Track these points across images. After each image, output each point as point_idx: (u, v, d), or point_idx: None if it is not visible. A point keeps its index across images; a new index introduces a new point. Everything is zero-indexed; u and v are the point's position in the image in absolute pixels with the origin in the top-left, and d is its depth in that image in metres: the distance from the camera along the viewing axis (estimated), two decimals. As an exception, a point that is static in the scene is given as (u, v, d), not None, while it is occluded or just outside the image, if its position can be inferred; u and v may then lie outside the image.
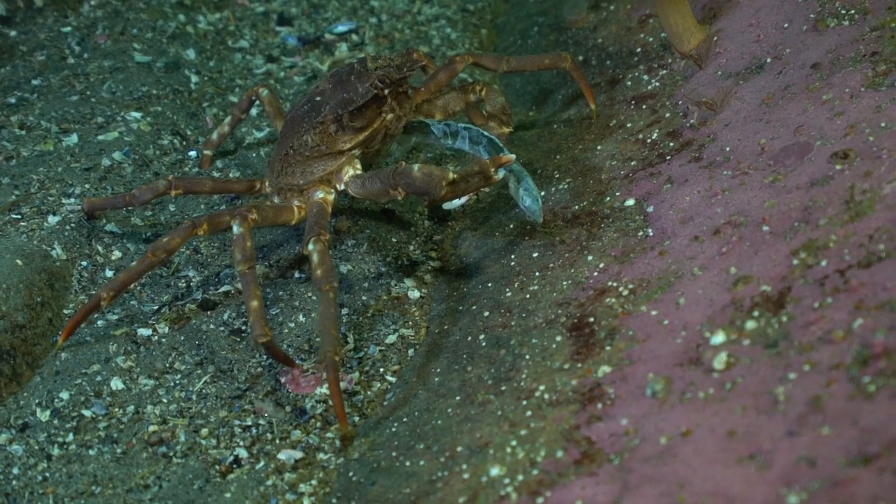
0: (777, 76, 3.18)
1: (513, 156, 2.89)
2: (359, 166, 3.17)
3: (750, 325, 2.38)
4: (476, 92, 3.40)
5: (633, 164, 3.25)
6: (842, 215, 2.52)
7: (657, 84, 3.57)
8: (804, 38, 3.24)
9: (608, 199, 3.15)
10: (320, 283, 2.78)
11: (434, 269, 3.30)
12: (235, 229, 2.89)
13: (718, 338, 2.40)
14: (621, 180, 3.21)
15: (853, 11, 3.18)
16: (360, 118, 3.07)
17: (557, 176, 3.41)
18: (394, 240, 3.37)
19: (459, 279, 3.20)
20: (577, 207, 3.20)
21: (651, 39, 3.82)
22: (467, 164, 3.22)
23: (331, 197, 3.15)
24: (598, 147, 3.44)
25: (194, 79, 4.11)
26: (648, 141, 3.31)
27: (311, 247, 2.88)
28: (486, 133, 3.16)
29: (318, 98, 3.14)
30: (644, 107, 3.50)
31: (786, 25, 3.35)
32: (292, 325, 3.07)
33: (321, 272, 2.80)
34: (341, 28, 4.52)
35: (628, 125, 3.47)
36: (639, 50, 3.82)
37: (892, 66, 2.91)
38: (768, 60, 3.27)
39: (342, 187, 3.15)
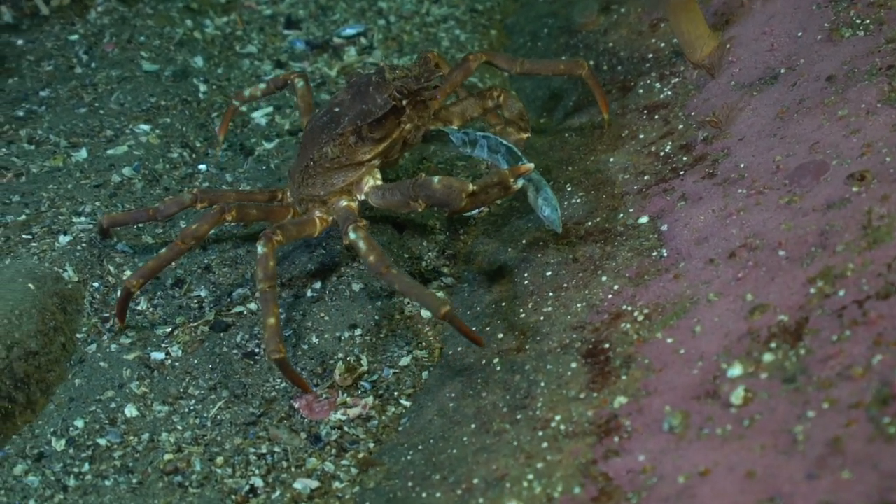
0: (791, 88, 3.15)
1: (531, 164, 2.92)
2: (379, 176, 3.18)
3: (767, 357, 2.36)
4: (494, 98, 3.38)
5: (646, 178, 3.22)
6: (859, 241, 2.50)
7: (669, 93, 3.54)
8: (819, 49, 3.21)
9: (621, 215, 3.13)
10: (378, 268, 2.83)
11: (447, 285, 3.27)
12: (260, 249, 2.90)
13: (736, 370, 2.38)
14: (634, 195, 3.18)
15: (868, 21, 3.15)
16: (379, 129, 3.07)
17: (570, 189, 3.38)
18: (406, 256, 3.35)
19: (473, 297, 3.18)
20: (590, 224, 3.17)
21: (663, 45, 3.78)
22: (483, 173, 3.18)
23: (354, 205, 3.16)
24: (611, 159, 3.41)
25: (203, 88, 4.08)
26: (661, 154, 3.29)
27: (352, 235, 2.93)
28: (504, 141, 3.16)
29: (336, 109, 3.14)
30: (656, 117, 3.47)
31: (800, 34, 3.31)
32: (305, 346, 3.06)
33: (374, 258, 2.85)
34: (349, 31, 4.48)
35: (641, 136, 3.44)
36: (650, 56, 3.79)
37: (909, 80, 2.87)
38: (782, 71, 3.24)
39: (363, 197, 3.16)
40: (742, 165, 3.01)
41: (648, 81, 3.66)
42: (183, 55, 4.25)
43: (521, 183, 2.90)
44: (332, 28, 4.54)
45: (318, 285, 3.25)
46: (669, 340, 2.59)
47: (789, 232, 2.67)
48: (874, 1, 3.21)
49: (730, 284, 2.64)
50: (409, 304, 3.22)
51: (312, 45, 4.43)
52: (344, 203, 3.15)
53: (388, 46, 4.43)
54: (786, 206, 2.76)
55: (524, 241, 3.25)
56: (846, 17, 3.22)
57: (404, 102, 3.05)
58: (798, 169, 2.86)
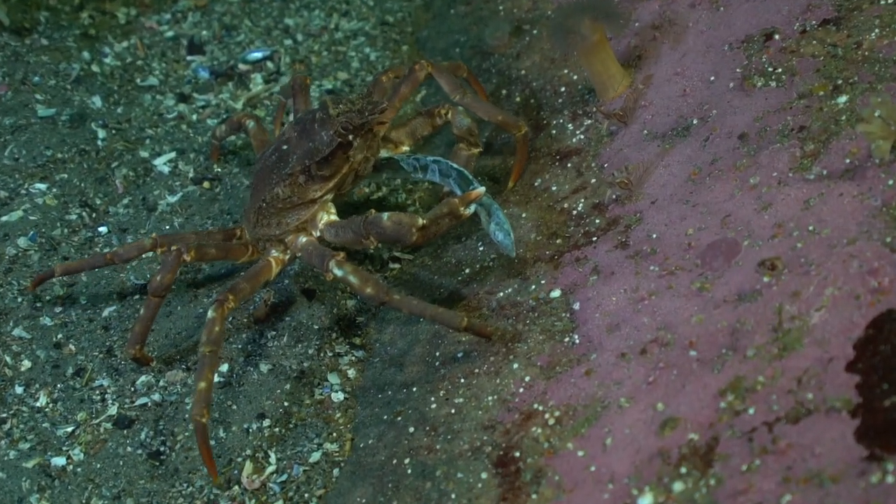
0: (704, 145, 3.05)
1: (482, 189, 2.89)
2: (333, 210, 3.16)
3: (677, 486, 2.29)
4: (441, 115, 3.33)
5: (558, 241, 3.13)
6: (769, 346, 2.42)
7: (582, 137, 3.42)
8: (731, 99, 3.10)
9: (533, 287, 3.03)
10: (381, 298, 2.83)
11: (358, 359, 3.17)
12: (210, 313, 2.87)
13: (646, 500, 2.31)
14: (546, 263, 3.09)
15: (780, 71, 3.04)
16: (327, 166, 3.05)
17: (482, 249, 3.27)
18: (316, 327, 3.24)
19: (384, 376, 3.09)
20: (501, 295, 3.08)
21: (575, 78, 3.66)
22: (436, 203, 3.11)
23: (314, 238, 3.14)
24: (524, 214, 3.30)
25: (101, 134, 3.91)
26: (574, 213, 3.19)
27: (338, 271, 2.90)
28: (454, 165, 3.14)
29: (284, 147, 3.10)
30: (569, 165, 3.36)
31: (712, 79, 3.21)
32: (213, 442, 2.95)
33: (371, 289, 2.83)
34: (255, 55, 4.31)
35: (553, 188, 3.33)
36: (563, 90, 3.66)
37: (820, 145, 2.78)
38: (694, 122, 3.14)
39: (318, 234, 3.14)
40: (654, 236, 2.92)
41: (561, 121, 3.54)
42: (80, 95, 4.07)
43: (472, 209, 2.88)
44: (237, 51, 4.35)
45: (224, 368, 3.13)
46: (580, 454, 2.51)
47: (700, 326, 2.59)
48: (786, 46, 3.09)
49: (641, 388, 2.56)
50: (319, 384, 3.12)
51: (217, 74, 4.25)
52: (303, 239, 3.12)
53: (297, 70, 4.26)
54: (697, 293, 2.67)
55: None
56: (758, 62, 3.11)
57: (350, 137, 3.01)
58: (710, 248, 2.77)
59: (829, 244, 2.54)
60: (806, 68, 3.00)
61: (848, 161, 2.69)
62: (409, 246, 2.96)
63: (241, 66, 4.28)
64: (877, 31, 2.93)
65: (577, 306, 2.89)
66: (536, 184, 3.40)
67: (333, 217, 3.15)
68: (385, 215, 2.87)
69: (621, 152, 3.25)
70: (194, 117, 4.03)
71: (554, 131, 3.54)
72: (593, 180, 3.25)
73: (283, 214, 3.13)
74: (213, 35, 4.43)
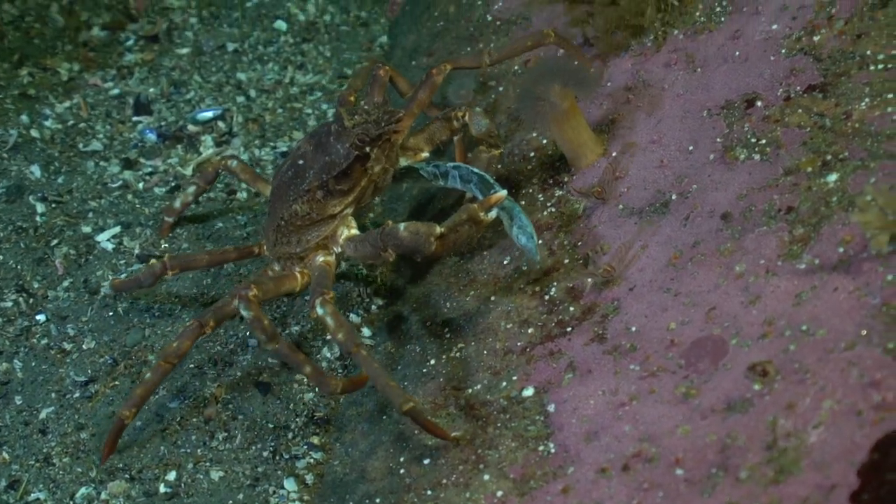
0: (684, 224, 2.83)
1: (503, 192, 2.79)
2: (354, 224, 3.09)
3: None
4: (459, 118, 3.22)
5: (530, 331, 2.90)
6: (764, 468, 2.20)
7: (553, 210, 3.20)
8: (712, 172, 2.88)
9: (504, 383, 2.80)
10: (347, 347, 2.70)
11: (316, 462, 2.93)
12: (245, 314, 2.78)
13: None
14: (518, 355, 2.86)
15: (764, 142, 2.83)
16: (346, 180, 2.97)
17: (449, 336, 3.04)
18: (271, 425, 2.99)
19: (345, 485, 2.85)
20: (469, 391, 2.85)
21: (545, 142, 3.43)
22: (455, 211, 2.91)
23: (331, 259, 3.07)
24: (492, 297, 3.07)
25: (40, 208, 3.65)
26: (546, 298, 2.96)
27: (319, 310, 2.78)
28: (475, 170, 3.04)
29: (300, 162, 3.01)
30: (540, 242, 3.13)
31: (691, 149, 2.99)
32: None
33: (342, 335, 2.72)
34: (206, 114, 4.06)
35: (524, 267, 3.10)
36: (532, 155, 3.43)
37: (811, 229, 2.56)
38: (673, 197, 2.92)
39: (339, 250, 3.07)
40: (634, 329, 2.69)
41: (531, 190, 3.32)
42: (18, 164, 3.81)
43: (493, 214, 2.78)
44: (186, 110, 4.10)
45: (171, 476, 2.89)
46: (558, 592, 2.28)
47: (687, 440, 2.36)
48: (769, 114, 2.88)
49: (623, 512, 2.33)
50: (274, 492, 2.88)
51: (165, 136, 4.00)
52: (320, 259, 3.04)
53: (250, 130, 4.02)
54: (682, 399, 2.45)
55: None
56: (740, 132, 2.89)
57: (367, 149, 2.93)
58: (694, 346, 2.55)
59: (824, 348, 2.32)
60: (792, 140, 2.79)
61: (841, 250, 2.47)
62: (429, 257, 2.78)
63: (191, 127, 4.03)
64: (867, 100, 2.72)
65: (552, 408, 2.67)
66: (505, 262, 3.18)
67: (354, 231, 3.06)
68: (402, 226, 2.76)
69: (596, 229, 3.03)
70: (140, 185, 3.78)
71: (523, 202, 3.31)
72: (566, 260, 3.03)
73: (303, 232, 3.04)
74: (160, 92, 4.18)
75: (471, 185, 3.05)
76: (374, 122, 2.94)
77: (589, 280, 2.88)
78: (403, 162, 3.21)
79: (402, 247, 2.79)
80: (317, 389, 3.09)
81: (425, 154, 3.26)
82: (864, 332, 2.28)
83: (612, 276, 2.83)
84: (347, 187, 2.99)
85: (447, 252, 2.85)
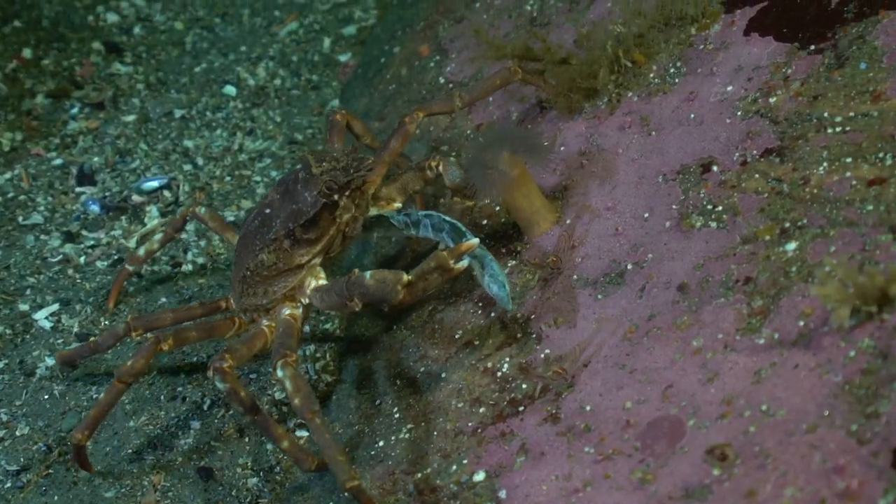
0: (640, 296, 2.71)
1: (475, 240, 2.70)
2: (322, 275, 2.99)
3: None
4: (432, 168, 3.13)
5: (482, 410, 2.77)
6: (725, 565, 2.06)
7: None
8: (668, 241, 2.77)
9: (455, 466, 2.67)
10: (303, 413, 2.59)
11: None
12: (220, 387, 2.67)
13: None
14: (469, 437, 2.73)
15: (720, 209, 2.72)
16: (313, 229, 2.89)
17: (398, 416, 2.91)
18: (213, 517, 2.84)
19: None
20: (419, 476, 2.72)
21: (497, 209, 3.32)
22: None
23: (298, 311, 2.97)
24: (443, 374, 2.94)
25: (-25, 287, 3.50)
26: (499, 374, 2.83)
27: (279, 373, 2.67)
28: (447, 218, 2.96)
29: (267, 211, 2.93)
30: (492, 314, 3.01)
31: (646, 216, 2.88)
32: None
33: (299, 400, 2.61)
34: (151, 184, 3.93)
35: (476, 342, 2.98)
36: (485, 223, 3.32)
37: (770, 301, 2.44)
38: (629, 267, 2.81)
39: (306, 301, 2.97)
40: (588, 408, 2.57)
41: (483, 260, 3.18)
42: (-47, 241, 3.66)
43: (464, 263, 2.68)
44: (131, 179, 3.97)
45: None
46: None
47: (644, 530, 2.22)
48: (725, 180, 2.77)
49: None
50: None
51: (109, 208, 3.86)
52: (287, 312, 2.94)
53: (197, 199, 3.89)
54: (638, 485, 2.32)
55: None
56: (696, 198, 2.78)
57: (335, 197, 2.85)
58: (651, 427, 2.42)
59: (785, 430, 2.20)
60: (749, 207, 2.68)
61: (802, 324, 2.36)
62: (396, 305, 2.68)
63: (136, 198, 3.90)
64: (825, 164, 2.61)
65: (503, 494, 2.53)
66: (457, 336, 3.05)
67: (322, 282, 2.96)
68: (368, 274, 2.67)
69: (549, 301, 2.90)
70: (82, 259, 3.64)
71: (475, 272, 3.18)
72: (519, 334, 2.90)
73: (270, 282, 2.95)
74: (105, 162, 4.05)
75: (443, 233, 2.97)
76: (342, 170, 2.88)
77: (538, 384, 2.75)
78: (374, 211, 3.14)
79: (369, 295, 2.69)
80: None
81: (397, 204, 3.18)
82: (826, 413, 2.17)
83: (563, 378, 2.70)
84: (315, 236, 2.90)
85: (414, 301, 2.74)
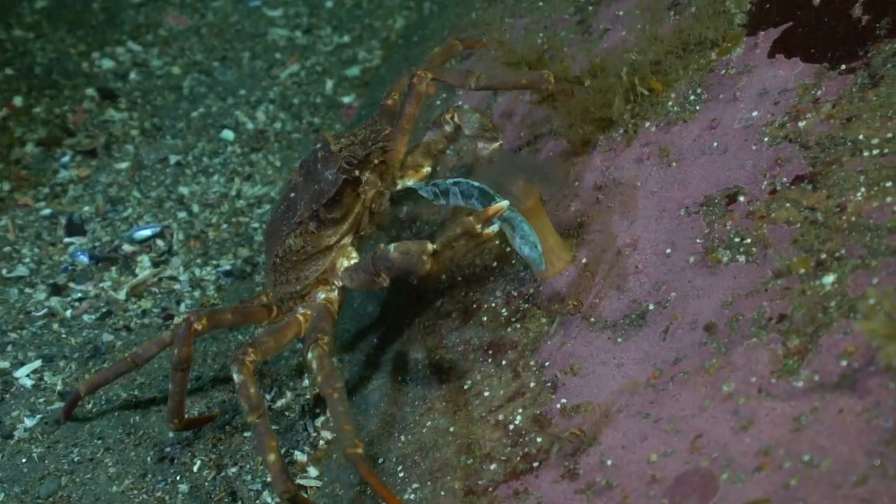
0: (663, 338, 2.48)
1: (505, 203, 2.57)
2: (354, 255, 2.91)
3: None
4: (450, 122, 3.03)
5: (493, 467, 2.54)
6: None
7: (518, 326, 2.85)
8: (692, 278, 2.54)
9: (465, 531, 2.42)
10: (323, 388, 2.55)
11: None
12: (236, 377, 2.61)
13: None
14: (479, 497, 2.49)
15: (749, 242, 2.49)
16: (337, 208, 2.81)
17: (402, 475, 2.68)
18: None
19: None
20: (426, 542, 2.47)
21: (508, 250, 3.10)
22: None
23: (333, 295, 2.90)
24: (451, 429, 2.71)
25: (-43, 349, 3.29)
26: (511, 428, 2.60)
27: (309, 355, 2.64)
28: (475, 183, 2.81)
29: (292, 195, 2.87)
30: (504, 363, 2.79)
31: (668, 251, 2.65)
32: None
33: (322, 377, 2.57)
34: (143, 232, 3.74)
35: (486, 393, 2.75)
36: (495, 265, 3.10)
37: (807, 340, 2.21)
38: (651, 307, 2.58)
39: (340, 283, 2.90)
40: (609, 463, 2.33)
41: (494, 304, 2.99)
42: (-66, 303, 3.46)
43: (494, 227, 2.55)
44: (122, 229, 3.77)
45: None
46: None
47: None
48: (753, 210, 2.55)
49: None
50: None
51: (98, 258, 3.66)
52: (321, 296, 2.88)
53: (191, 248, 3.69)
54: (667, 548, 2.06)
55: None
56: (721, 231, 2.56)
57: (356, 173, 2.77)
58: (679, 483, 2.18)
59: (831, 482, 1.96)
60: (780, 238, 2.46)
61: (844, 363, 2.12)
62: (426, 277, 2.54)
63: (127, 247, 3.70)
64: (863, 190, 2.39)
65: (517, 563, 2.29)
66: (466, 386, 2.83)
67: (355, 261, 2.88)
68: (392, 246, 2.57)
69: (564, 347, 2.68)
70: (68, 313, 3.43)
71: (485, 318, 2.98)
72: (533, 384, 2.67)
73: (301, 267, 2.89)
74: (95, 211, 3.86)
75: (472, 200, 2.83)
76: (360, 143, 2.80)
77: (555, 447, 2.52)
78: (402, 183, 3.02)
79: (395, 269, 2.58)
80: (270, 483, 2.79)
81: (427, 169, 3.08)
82: (877, 463, 1.93)
83: (580, 440, 2.47)
84: (340, 215, 2.82)
85: (443, 271, 2.62)
